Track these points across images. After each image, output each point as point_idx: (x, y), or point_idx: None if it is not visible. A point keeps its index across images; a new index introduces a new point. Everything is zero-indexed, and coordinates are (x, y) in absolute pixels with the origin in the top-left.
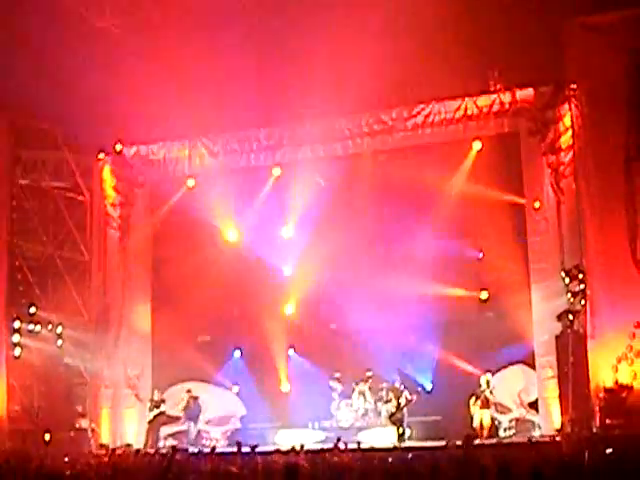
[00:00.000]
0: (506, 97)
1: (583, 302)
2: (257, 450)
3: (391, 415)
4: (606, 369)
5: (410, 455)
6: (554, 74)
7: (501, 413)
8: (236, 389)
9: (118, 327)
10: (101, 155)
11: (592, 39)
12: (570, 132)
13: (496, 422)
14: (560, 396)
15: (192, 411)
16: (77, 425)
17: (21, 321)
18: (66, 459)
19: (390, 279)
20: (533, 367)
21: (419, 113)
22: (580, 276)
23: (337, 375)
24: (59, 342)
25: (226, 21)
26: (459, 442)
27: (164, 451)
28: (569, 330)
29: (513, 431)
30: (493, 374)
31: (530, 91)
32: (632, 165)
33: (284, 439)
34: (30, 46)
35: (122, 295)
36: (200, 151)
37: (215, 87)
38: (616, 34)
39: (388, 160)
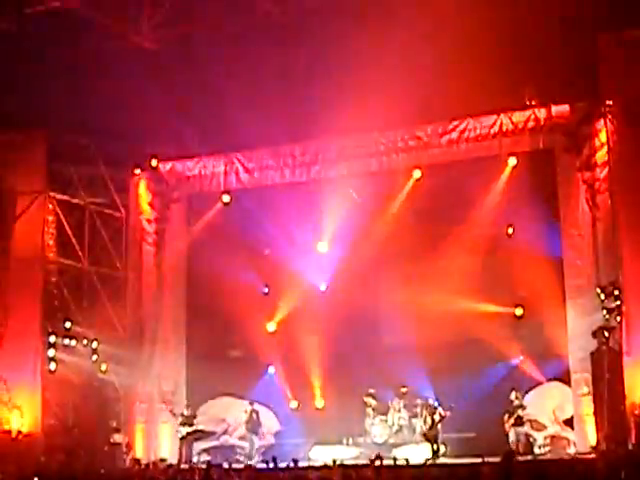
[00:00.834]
0: (541, 113)
1: (619, 319)
2: (291, 466)
3: (425, 432)
4: None
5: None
6: (589, 90)
7: (536, 430)
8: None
9: (153, 342)
10: (137, 171)
11: (627, 54)
12: (605, 148)
13: (531, 439)
14: (595, 413)
15: (254, 425)
16: (111, 440)
17: (56, 336)
18: (102, 471)
19: (425, 295)
20: (568, 384)
21: (454, 129)
22: (616, 292)
23: (371, 391)
24: (94, 357)
25: (261, 36)
26: (497, 459)
27: (200, 466)
28: (604, 347)
29: (548, 448)
30: (527, 392)
31: (565, 107)
32: None
33: (318, 455)
34: (66, 61)
35: (157, 310)
36: (235, 167)
37: (250, 103)
38: None
39: (423, 176)
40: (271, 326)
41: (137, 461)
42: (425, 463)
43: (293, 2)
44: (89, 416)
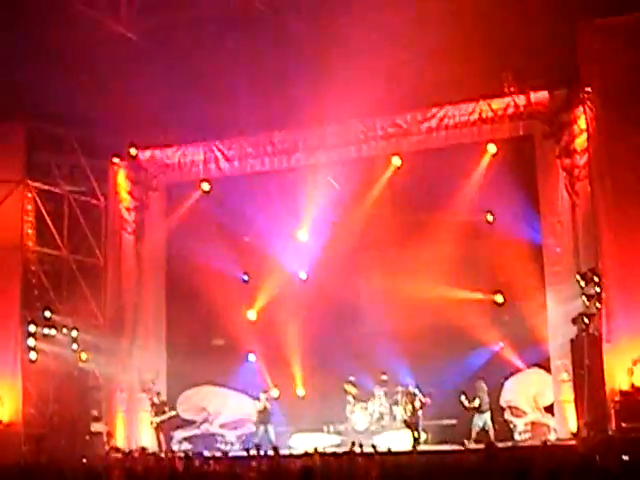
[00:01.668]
0: (521, 100)
1: (599, 305)
2: (272, 454)
3: (406, 419)
4: (622, 372)
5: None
6: (569, 77)
7: (516, 417)
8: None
9: (133, 331)
10: (116, 159)
11: (607, 41)
12: (585, 135)
13: (511, 425)
14: (575, 399)
15: (268, 415)
16: (92, 429)
17: (36, 325)
18: (83, 460)
19: (405, 282)
20: (548, 370)
21: (433, 116)
22: (595, 279)
23: (352, 379)
24: (74, 346)
25: (241, 26)
26: (479, 446)
27: (179, 454)
28: (584, 333)
29: (528, 435)
30: (507, 378)
31: (545, 94)
32: None
33: (299, 443)
34: (45, 50)
35: (137, 299)
36: (215, 155)
37: (229, 91)
38: (631, 36)
39: (402, 163)
40: (251, 314)
41: (118, 450)
42: (406, 450)
43: None
44: (69, 405)
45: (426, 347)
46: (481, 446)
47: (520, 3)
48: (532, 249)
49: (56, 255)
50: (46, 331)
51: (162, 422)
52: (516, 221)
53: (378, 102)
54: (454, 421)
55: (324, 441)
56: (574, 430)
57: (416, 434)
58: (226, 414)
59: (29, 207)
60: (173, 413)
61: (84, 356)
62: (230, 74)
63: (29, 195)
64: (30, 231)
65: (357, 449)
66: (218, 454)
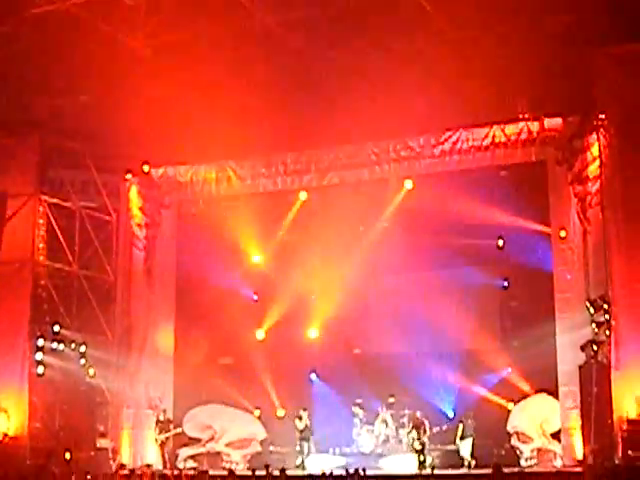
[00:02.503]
0: (534, 126)
1: (608, 333)
2: (276, 474)
3: (412, 442)
4: (629, 400)
5: None
6: (582, 103)
7: (523, 442)
8: (257, 412)
9: (141, 348)
10: (128, 175)
11: (621, 69)
12: (597, 162)
13: (517, 451)
14: (582, 427)
15: (307, 432)
16: (98, 444)
17: (45, 339)
18: (89, 477)
19: (415, 306)
20: (556, 397)
21: (447, 140)
22: (605, 307)
23: (359, 401)
24: (82, 361)
25: (254, 45)
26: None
27: (187, 472)
28: (593, 360)
29: (535, 461)
30: (516, 403)
31: (558, 120)
32: None
33: (307, 463)
34: (61, 65)
35: (146, 316)
36: (227, 174)
37: (243, 111)
38: None
39: (414, 186)
40: (260, 333)
41: (123, 466)
42: (412, 474)
43: (289, 12)
44: (76, 420)
45: (434, 370)
46: (487, 471)
47: (536, 30)
48: (542, 275)
49: (66, 270)
50: (54, 345)
51: (167, 439)
52: (527, 247)
53: (391, 125)
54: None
55: (330, 463)
56: (580, 457)
57: (422, 458)
58: (232, 433)
59: (41, 221)
60: (178, 430)
61: (92, 371)
62: (243, 94)
63: (41, 209)
64: (41, 245)
65: (361, 472)
66: (223, 473)
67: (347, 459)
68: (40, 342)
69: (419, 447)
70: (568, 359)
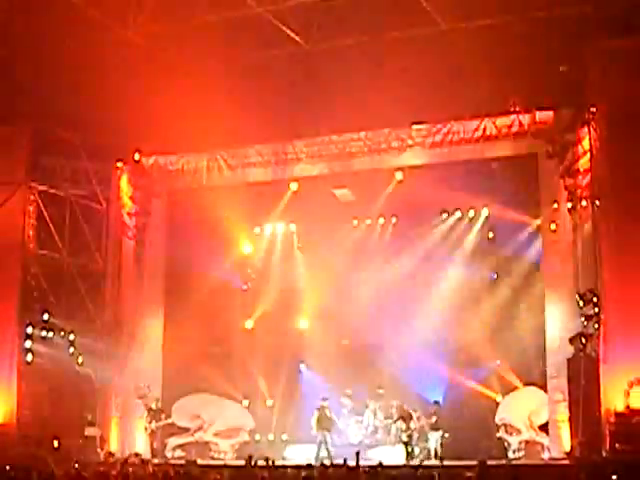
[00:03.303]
0: (525, 119)
1: (597, 326)
2: (265, 465)
3: (399, 434)
4: (617, 393)
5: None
6: (574, 97)
7: (510, 435)
8: (246, 402)
9: (130, 337)
10: (119, 164)
11: (613, 63)
12: (588, 155)
13: (505, 443)
14: (570, 419)
15: (326, 422)
16: (86, 433)
17: (34, 327)
18: (76, 465)
19: (404, 297)
20: (544, 389)
21: (438, 132)
22: (594, 300)
23: (348, 392)
24: (71, 349)
25: (247, 35)
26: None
27: (175, 462)
28: (581, 353)
29: (522, 453)
30: (504, 395)
31: (549, 113)
32: None
33: (293, 453)
34: (52, 55)
35: (135, 304)
36: (218, 163)
37: (234, 100)
38: (637, 58)
39: (405, 177)
40: (249, 323)
41: (111, 455)
42: (399, 465)
43: (284, 0)
44: (64, 408)
45: (423, 362)
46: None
47: (528, 23)
48: (532, 268)
49: (56, 258)
50: (43, 333)
51: (157, 429)
52: (517, 239)
53: (383, 116)
54: (448, 435)
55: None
56: (568, 450)
57: (410, 449)
58: (220, 422)
59: (31, 209)
60: (169, 420)
61: (81, 360)
62: (235, 84)
63: (31, 197)
64: (31, 233)
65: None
66: (212, 462)
67: (335, 449)
68: (29, 330)
69: (406, 439)
70: (557, 352)
